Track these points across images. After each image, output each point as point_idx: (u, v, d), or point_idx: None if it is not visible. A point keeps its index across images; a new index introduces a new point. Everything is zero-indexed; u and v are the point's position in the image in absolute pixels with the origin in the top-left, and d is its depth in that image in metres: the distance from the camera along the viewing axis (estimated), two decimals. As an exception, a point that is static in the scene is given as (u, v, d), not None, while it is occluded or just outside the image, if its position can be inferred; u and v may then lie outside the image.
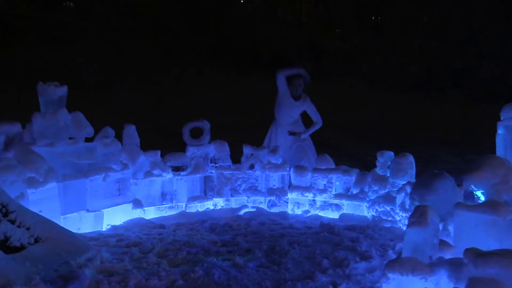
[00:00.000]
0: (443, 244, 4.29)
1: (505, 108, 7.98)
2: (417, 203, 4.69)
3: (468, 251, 3.60)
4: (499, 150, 7.98)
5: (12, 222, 5.24)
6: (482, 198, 4.20)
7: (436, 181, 4.76)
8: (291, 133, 8.97)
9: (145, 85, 20.48)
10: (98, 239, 6.65)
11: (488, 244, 3.99)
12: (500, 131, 7.92)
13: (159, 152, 7.97)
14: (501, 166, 4.16)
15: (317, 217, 7.78)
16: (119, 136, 7.64)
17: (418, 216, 3.98)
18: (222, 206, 8.19)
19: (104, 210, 7.23)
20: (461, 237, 4.22)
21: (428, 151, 12.74)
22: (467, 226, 4.14)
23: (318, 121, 9.04)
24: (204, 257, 5.98)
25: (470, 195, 4.32)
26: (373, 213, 7.41)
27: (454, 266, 3.83)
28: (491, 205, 4.01)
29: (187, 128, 8.24)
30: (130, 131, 7.77)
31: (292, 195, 8.05)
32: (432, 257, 4.06)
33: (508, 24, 26.79)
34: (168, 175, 7.92)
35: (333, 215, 7.79)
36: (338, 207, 7.80)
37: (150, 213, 7.76)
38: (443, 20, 28.26)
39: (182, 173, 8.03)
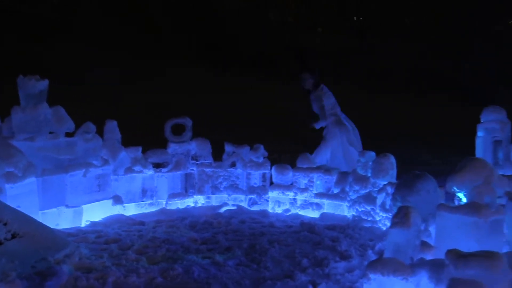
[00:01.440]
0: (424, 245, 4.31)
1: (485, 111, 8.09)
2: (399, 204, 4.71)
3: (449, 253, 3.61)
4: (479, 152, 8.07)
5: (-11, 217, 5.16)
6: (464, 200, 4.22)
7: (418, 182, 4.78)
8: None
9: (129, 81, 20.33)
10: (77, 235, 6.58)
11: (469, 245, 4.01)
12: (479, 133, 8.02)
13: (140, 148, 7.91)
14: (483, 168, 4.18)
15: (298, 216, 7.78)
16: (100, 132, 7.58)
17: (401, 217, 3.98)
18: (202, 203, 8.16)
19: (84, 206, 7.16)
20: (442, 238, 4.23)
21: (409, 152, 12.79)
22: (448, 228, 4.16)
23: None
24: (184, 255, 5.95)
25: (452, 197, 4.33)
26: (354, 213, 7.42)
27: (435, 267, 3.84)
28: (472, 207, 4.03)
29: (169, 125, 8.19)
30: (112, 126, 7.71)
31: (273, 194, 8.04)
32: (413, 258, 4.06)
33: (490, 27, 27.06)
34: (149, 172, 7.87)
35: (313, 214, 7.78)
36: (318, 206, 7.80)
37: (130, 210, 7.71)
38: (426, 22, 28.45)
39: (163, 169, 7.98)
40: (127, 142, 7.94)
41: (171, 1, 26.71)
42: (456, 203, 4.32)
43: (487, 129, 8.00)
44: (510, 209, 4.29)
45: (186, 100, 17.23)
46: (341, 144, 8.92)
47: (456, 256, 3.55)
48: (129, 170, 7.74)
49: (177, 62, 23.79)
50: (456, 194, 4.25)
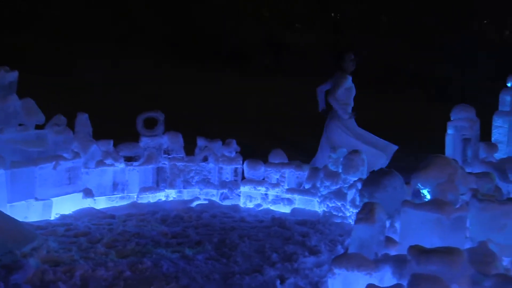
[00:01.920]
0: (389, 241, 4.37)
1: (454, 109, 8.19)
2: (366, 200, 4.77)
3: (412, 248, 3.67)
4: (448, 150, 8.19)
5: (-45, 209, 5.11)
6: (428, 197, 4.28)
7: (385, 179, 4.84)
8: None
9: (102, 73, 20.15)
10: (46, 228, 6.54)
11: (432, 241, 4.07)
12: (449, 131, 8.13)
13: (111, 142, 7.87)
14: (447, 165, 4.25)
15: (269, 211, 7.82)
16: (71, 125, 7.53)
17: (365, 213, 4.03)
18: (174, 197, 8.15)
19: (53, 199, 7.10)
20: (406, 234, 4.30)
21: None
22: (412, 224, 4.22)
23: None
24: (153, 249, 5.96)
25: (417, 193, 4.40)
26: (324, 208, 7.48)
27: (398, 262, 3.90)
28: (436, 204, 4.10)
29: (141, 118, 8.16)
30: (83, 119, 7.65)
31: (244, 189, 8.06)
32: (378, 253, 4.12)
33: (464, 26, 27.35)
34: (120, 165, 7.83)
35: (284, 209, 7.83)
36: (290, 201, 7.85)
37: (101, 203, 7.67)
38: (403, 20, 28.65)
39: (135, 163, 7.95)
40: (98, 135, 7.88)
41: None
42: (422, 200, 4.39)
43: (457, 127, 8.11)
44: (473, 206, 4.37)
45: (159, 93, 17.14)
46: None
47: (418, 252, 3.61)
48: (100, 163, 7.70)
49: (152, 55, 23.65)
50: (421, 191, 4.32)
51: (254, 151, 10.79)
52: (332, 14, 33.59)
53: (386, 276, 3.91)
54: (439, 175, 4.21)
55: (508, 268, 4.22)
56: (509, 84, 9.12)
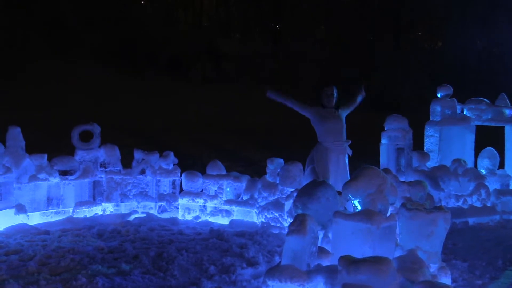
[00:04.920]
0: (322, 251, 4.44)
1: (388, 119, 8.43)
2: (300, 211, 4.83)
3: (342, 259, 3.75)
4: (383, 159, 8.41)
5: None
6: (359, 207, 4.38)
7: (318, 190, 4.92)
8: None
9: (36, 83, 19.68)
10: (-25, 247, 6.33)
11: (363, 251, 4.17)
12: (383, 140, 8.36)
13: (45, 156, 7.71)
14: (376, 176, 4.36)
15: (208, 223, 7.82)
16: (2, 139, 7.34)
17: (297, 225, 4.09)
18: (111, 211, 8.05)
19: (-16, 216, 6.90)
20: (338, 245, 4.38)
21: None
22: (344, 234, 4.31)
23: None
24: (88, 265, 5.85)
25: (349, 204, 4.49)
26: (262, 219, 7.53)
27: (330, 273, 3.97)
28: (366, 214, 4.20)
29: (77, 132, 8.03)
30: (15, 133, 7.47)
31: (182, 201, 8.04)
32: (310, 264, 4.18)
33: (398, 36, 28.11)
34: (55, 180, 7.68)
35: (223, 221, 7.85)
36: (228, 213, 7.87)
37: (35, 219, 7.50)
38: (339, 29, 29.19)
39: (70, 177, 7.81)
40: (31, 149, 7.71)
41: (84, 1, 26.04)
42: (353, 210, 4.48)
43: (390, 137, 8.34)
44: (402, 215, 4.50)
45: (94, 105, 16.87)
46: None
47: (348, 262, 3.69)
48: (33, 178, 7.52)
49: (87, 64, 23.24)
50: (352, 201, 4.41)
51: (194, 161, 10.81)
52: (272, 24, 33.93)
53: (319, 286, 3.97)
54: (368, 186, 4.32)
55: (435, 275, 4.37)
56: (439, 95, 9.44)
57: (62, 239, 6.80)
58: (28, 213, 7.41)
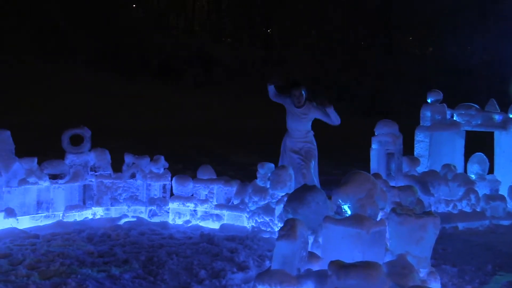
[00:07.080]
0: (312, 256, 4.45)
1: (378, 124, 8.45)
2: (290, 216, 4.84)
3: (332, 264, 3.76)
4: (373, 164, 8.43)
5: None
6: (349, 212, 4.40)
7: (308, 195, 4.93)
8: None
9: (26, 87, 19.62)
10: (-36, 251, 6.29)
11: (353, 256, 4.18)
12: (374, 145, 8.38)
13: (35, 159, 7.68)
14: (366, 181, 4.38)
15: (198, 227, 7.81)
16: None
17: (287, 229, 4.10)
18: (101, 215, 8.03)
19: (-27, 220, 6.86)
20: (328, 250, 4.39)
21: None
22: (334, 239, 4.33)
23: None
24: (78, 269, 5.83)
25: (339, 209, 4.51)
26: (253, 224, 7.54)
27: (320, 278, 3.98)
28: (356, 219, 4.22)
29: (67, 135, 8.00)
30: (5, 137, 7.44)
31: (173, 205, 8.03)
32: (300, 269, 4.19)
33: (389, 42, 28.24)
34: (45, 183, 7.65)
35: (214, 225, 7.84)
36: (219, 217, 7.86)
37: (24, 223, 7.46)
38: (330, 35, 29.32)
39: (60, 181, 7.79)
40: (21, 152, 7.68)
41: (75, 6, 26.02)
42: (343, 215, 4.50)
43: (381, 142, 8.36)
44: (392, 220, 4.52)
45: (85, 109, 16.83)
46: None
47: (338, 267, 3.70)
48: (23, 181, 7.49)
49: (78, 68, 23.21)
50: (342, 206, 4.43)
51: (185, 166, 10.81)
52: (263, 29, 34.02)
53: (309, 291, 3.98)
54: (358, 190, 4.34)
55: (424, 280, 4.39)
56: (429, 100, 9.49)
57: (51, 243, 6.77)
58: (18, 217, 7.36)
